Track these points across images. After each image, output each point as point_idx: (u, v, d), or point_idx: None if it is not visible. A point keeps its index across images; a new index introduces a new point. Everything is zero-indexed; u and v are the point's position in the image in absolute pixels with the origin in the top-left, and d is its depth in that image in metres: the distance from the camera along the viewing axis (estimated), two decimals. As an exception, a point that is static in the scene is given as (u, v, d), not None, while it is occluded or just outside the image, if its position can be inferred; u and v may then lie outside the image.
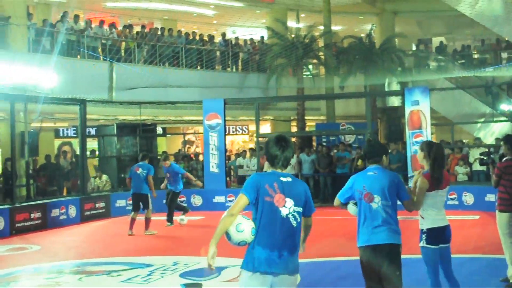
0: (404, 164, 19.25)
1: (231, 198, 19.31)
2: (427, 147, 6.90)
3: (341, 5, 31.23)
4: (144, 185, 14.94)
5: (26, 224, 16.07)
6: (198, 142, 31.98)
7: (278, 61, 27.52)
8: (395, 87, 28.53)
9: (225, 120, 20.34)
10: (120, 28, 27.09)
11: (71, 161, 21.84)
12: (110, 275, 10.28)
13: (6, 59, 18.88)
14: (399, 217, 6.28)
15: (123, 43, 25.03)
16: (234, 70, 28.99)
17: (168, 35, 26.99)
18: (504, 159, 8.61)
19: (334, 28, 31.22)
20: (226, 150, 20.25)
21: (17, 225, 15.78)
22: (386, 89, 29.21)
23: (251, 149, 22.88)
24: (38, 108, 18.97)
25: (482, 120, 25.36)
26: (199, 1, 30.28)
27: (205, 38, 28.77)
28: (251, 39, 30.60)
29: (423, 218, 6.79)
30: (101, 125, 23.94)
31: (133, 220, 15.06)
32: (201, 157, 22.09)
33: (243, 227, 5.04)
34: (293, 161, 20.79)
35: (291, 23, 30.75)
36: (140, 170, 15.06)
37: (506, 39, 28.37)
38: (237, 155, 24.18)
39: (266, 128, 30.56)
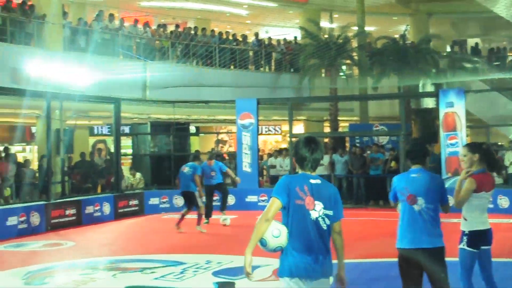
0: (438, 166, 19.09)
1: (263, 198, 19.34)
2: (478, 149, 6.80)
3: (375, 6, 31.04)
4: (191, 184, 15.10)
5: (61, 220, 16.27)
6: (231, 141, 32.05)
7: (311, 61, 27.45)
8: (430, 88, 28.27)
9: (258, 120, 20.36)
10: (154, 27, 27.26)
11: (105, 158, 22.03)
12: (144, 272, 10.33)
13: (42, 57, 19.11)
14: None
15: (157, 42, 25.19)
16: (267, 70, 29.00)
17: (201, 34, 27.10)
18: None
19: (367, 28, 31.03)
20: (258, 150, 20.27)
21: (52, 221, 15.98)
22: (420, 91, 28.96)
23: (284, 149, 22.84)
24: (73, 106, 19.18)
25: (518, 122, 25.07)
26: (233, 0, 30.34)
27: (239, 37, 28.83)
28: (284, 39, 30.58)
29: (465, 220, 6.70)
30: (135, 123, 24.13)
31: (182, 216, 15.22)
32: (233, 156, 22.14)
33: (279, 232, 4.95)
34: (326, 161, 20.76)
35: (325, 23, 30.67)
36: (187, 169, 15.24)
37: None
38: (270, 155, 24.18)
39: (299, 128, 30.51)
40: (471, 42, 34.66)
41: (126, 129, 23.32)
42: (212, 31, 28.35)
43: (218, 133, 31.56)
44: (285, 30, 34.25)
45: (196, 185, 15.16)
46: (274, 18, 33.92)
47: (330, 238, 5.06)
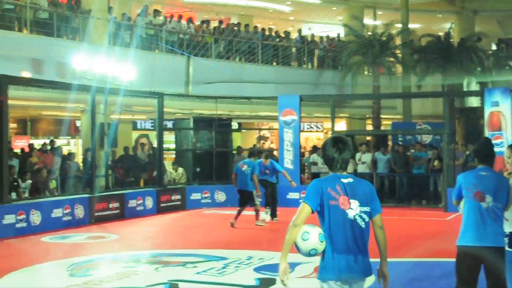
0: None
1: (305, 195, 19.27)
2: None
3: (419, 3, 30.74)
4: (249, 182, 15.11)
5: (104, 213, 16.47)
6: (273, 138, 32.05)
7: (354, 58, 27.31)
8: (474, 87, 27.91)
9: (300, 117, 20.31)
10: (197, 23, 27.39)
11: (148, 153, 22.21)
12: (186, 267, 10.39)
13: (87, 52, 19.32)
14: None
15: (201, 38, 25.30)
16: (309, 66, 28.92)
17: (244, 30, 27.14)
18: None
19: (411, 26, 30.78)
20: (300, 147, 20.22)
21: (96, 214, 16.17)
22: (465, 89, 28.60)
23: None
24: (117, 101, 19.37)
25: None
26: (276, -3, 30.36)
27: (281, 34, 28.81)
28: (327, 36, 30.46)
29: (507, 220, 6.61)
30: (178, 118, 24.25)
31: (239, 212, 15.22)
32: (276, 153, 22.12)
33: (309, 235, 4.87)
34: (368, 160, 20.62)
35: (368, 21, 30.46)
36: (245, 167, 15.20)
37: None
38: (311, 151, 24.10)
39: (341, 125, 30.36)
40: (517, 40, 34.09)
41: (169, 124, 23.45)
42: (255, 27, 28.39)
43: (260, 130, 31.56)
44: (328, 27, 34.13)
45: (254, 184, 15.21)
46: (317, 14, 33.80)
47: (368, 237, 4.98)
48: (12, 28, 19.41)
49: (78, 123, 25.09)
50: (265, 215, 16.19)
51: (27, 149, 19.25)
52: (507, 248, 6.51)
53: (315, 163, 22.02)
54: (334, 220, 4.89)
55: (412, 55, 27.99)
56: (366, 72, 28.91)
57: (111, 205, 16.72)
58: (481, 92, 20.96)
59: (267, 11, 32.49)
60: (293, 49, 28.40)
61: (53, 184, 17.42)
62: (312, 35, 30.46)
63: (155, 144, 21.21)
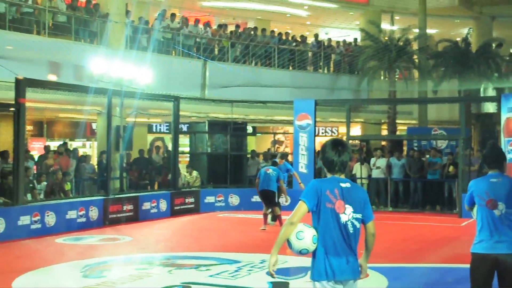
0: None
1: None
2: None
3: (437, 8, 30.62)
4: (273, 183, 15.17)
5: (118, 215, 16.50)
6: (288, 142, 32.02)
7: (371, 63, 27.25)
8: (491, 93, 27.73)
9: (315, 121, 20.28)
10: (214, 27, 27.45)
11: (163, 156, 22.27)
12: (199, 269, 10.38)
13: (104, 55, 19.42)
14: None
15: (217, 42, 25.35)
16: (325, 71, 28.90)
17: (261, 35, 27.17)
18: None
19: (429, 31, 30.64)
20: (315, 151, 20.20)
21: (110, 216, 16.21)
22: (482, 95, 28.43)
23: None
24: (133, 104, 19.45)
25: None
26: (293, 1, 30.33)
27: (298, 38, 28.82)
28: (344, 41, 30.42)
29: None
30: (193, 122, 24.31)
31: (265, 216, 15.23)
32: (290, 157, 22.10)
33: (304, 235, 4.95)
34: (383, 164, 20.54)
35: (385, 25, 30.40)
36: (270, 171, 15.30)
37: None
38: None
39: (356, 130, 30.29)
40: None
41: (184, 128, 23.52)
42: (272, 31, 28.41)
43: (275, 134, 31.55)
44: (345, 31, 34.10)
45: (282, 190, 15.24)
46: (335, 19, 33.79)
47: (357, 241, 5.06)
48: (30, 31, 19.55)
49: (94, 126, 25.21)
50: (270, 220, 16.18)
51: (42, 151, 19.35)
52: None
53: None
54: (327, 223, 4.97)
55: (429, 60, 27.88)
56: (382, 77, 28.83)
57: (125, 208, 16.76)
58: (497, 98, 20.82)
59: (284, 15, 32.52)
60: (310, 54, 28.40)
61: (68, 186, 17.51)
62: (329, 40, 30.45)
63: (170, 147, 21.26)
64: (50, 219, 14.49)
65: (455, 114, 25.22)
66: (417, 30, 28.84)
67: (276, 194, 15.33)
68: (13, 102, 14.27)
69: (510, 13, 31.92)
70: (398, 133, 27.88)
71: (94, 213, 15.73)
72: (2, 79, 17.72)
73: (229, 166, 20.92)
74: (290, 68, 27.18)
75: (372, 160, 20.93)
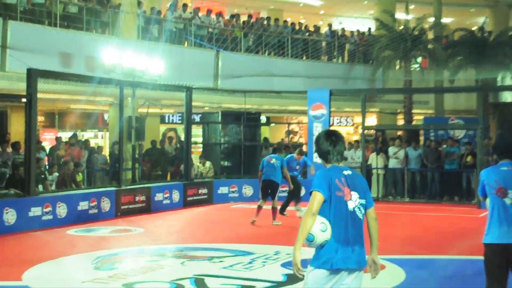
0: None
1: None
2: None
3: (453, -3, 30.36)
4: (277, 174, 14.75)
5: (130, 206, 16.39)
6: (302, 132, 31.86)
7: (386, 52, 27.00)
8: (509, 82, 27.41)
9: (330, 111, 20.05)
10: (227, 17, 27.27)
11: (175, 147, 22.17)
12: (212, 261, 10.26)
13: (116, 46, 19.32)
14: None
15: (230, 32, 25.18)
16: (340, 61, 28.68)
17: (274, 25, 27.00)
18: None
19: (444, 20, 30.34)
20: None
21: (122, 207, 16.11)
22: (499, 84, 28.09)
23: (356, 141, 22.48)
24: (145, 94, 19.32)
25: None
26: (307, -9, 30.15)
27: (311, 28, 28.61)
28: (358, 31, 30.15)
29: None
30: (206, 112, 24.17)
31: (259, 208, 14.87)
32: (304, 148, 21.92)
33: (325, 226, 4.93)
34: (401, 155, 20.27)
35: (400, 15, 30.08)
36: (273, 160, 14.78)
37: None
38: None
39: (371, 120, 30.09)
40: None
41: (197, 118, 23.41)
42: (285, 21, 28.21)
43: (289, 124, 31.37)
44: (359, 21, 33.78)
45: (285, 177, 14.93)
46: (348, 8, 33.51)
47: (363, 228, 5.07)
48: (42, 22, 19.49)
49: (106, 116, 25.13)
50: (299, 212, 15.91)
51: (54, 142, 19.28)
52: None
53: (344, 158, 21.74)
54: (337, 211, 4.97)
55: (444, 49, 27.57)
56: (397, 67, 28.57)
57: (137, 199, 16.63)
58: (515, 87, 20.53)
59: (298, 5, 32.33)
60: (323, 43, 28.18)
61: (79, 177, 17.41)
62: (343, 29, 30.17)
63: (182, 138, 21.14)
64: (62, 210, 14.37)
65: (472, 103, 24.98)
66: (432, 19, 28.52)
67: (279, 186, 14.95)
68: (25, 93, 14.16)
69: (527, 1, 31.61)
70: (414, 123, 27.63)
71: (106, 204, 15.60)
72: (14, 70, 17.69)
73: (243, 156, 20.79)
74: (304, 58, 26.97)
75: (391, 149, 20.61)
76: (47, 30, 19.32)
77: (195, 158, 21.93)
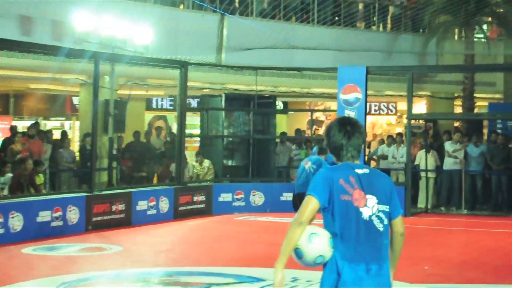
0: None
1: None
2: None
3: None
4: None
5: (105, 218, 16.48)
6: (329, 122, 31.86)
7: (441, 18, 27.00)
8: None
9: (366, 95, 20.11)
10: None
11: (165, 140, 22.28)
12: (210, 290, 10.39)
13: (91, 7, 19.30)
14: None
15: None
16: (381, 29, 28.72)
17: (296, -19, 27.08)
18: None
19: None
20: (366, 135, 20.07)
21: (94, 218, 16.20)
22: None
23: (399, 134, 22.51)
24: (127, 71, 19.37)
25: None
26: None
27: (345, -15, 28.70)
28: (406, -11, 30.24)
29: None
30: (206, 95, 24.22)
31: None
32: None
33: (318, 238, 4.89)
34: (461, 154, 20.27)
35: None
36: (309, 164, 14.58)
37: None
38: (381, 141, 23.91)
39: (420, 107, 30.12)
40: None
41: (194, 103, 23.50)
42: (310, -24, 28.27)
43: (312, 111, 31.39)
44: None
45: None
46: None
47: (388, 243, 5.03)
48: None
49: (75, 100, 25.26)
50: None
51: (8, 133, 19.42)
52: None
53: (384, 157, 21.80)
54: (344, 220, 4.91)
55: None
56: (456, 37, 28.55)
57: (114, 208, 16.73)
58: None
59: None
60: (360, 6, 28.21)
61: (40, 179, 17.52)
62: (386, -13, 30.24)
63: (174, 129, 21.25)
64: (16, 222, 14.48)
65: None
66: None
67: None
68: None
69: None
70: (476, 110, 27.65)
71: (73, 215, 15.71)
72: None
73: (252, 153, 20.82)
74: (334, 25, 26.99)
75: (448, 145, 20.56)
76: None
77: (190, 155, 22.04)
